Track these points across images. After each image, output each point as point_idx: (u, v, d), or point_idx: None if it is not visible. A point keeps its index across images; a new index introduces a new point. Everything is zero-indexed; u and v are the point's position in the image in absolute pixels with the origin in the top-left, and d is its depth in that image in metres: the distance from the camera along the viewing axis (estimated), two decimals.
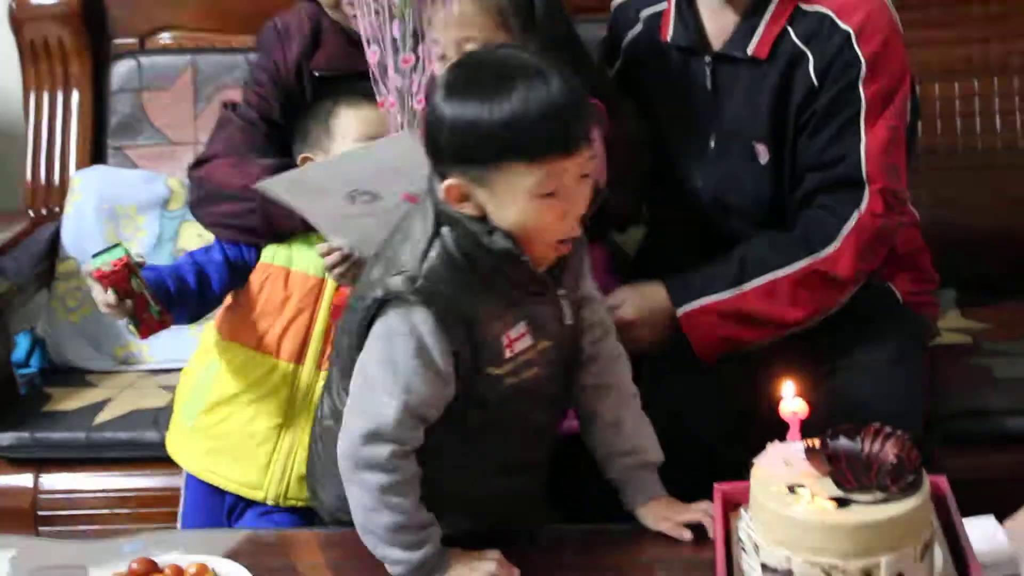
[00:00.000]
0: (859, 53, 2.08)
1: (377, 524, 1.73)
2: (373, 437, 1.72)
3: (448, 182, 1.71)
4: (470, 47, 2.02)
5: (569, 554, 1.85)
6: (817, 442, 1.56)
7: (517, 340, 1.78)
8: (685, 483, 1.86)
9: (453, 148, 1.71)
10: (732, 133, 2.18)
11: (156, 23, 2.86)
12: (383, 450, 1.72)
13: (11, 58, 2.89)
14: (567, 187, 1.71)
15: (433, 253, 1.73)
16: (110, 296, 2.01)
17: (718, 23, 2.18)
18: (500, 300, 1.76)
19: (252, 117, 2.23)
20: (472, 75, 1.72)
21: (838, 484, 1.53)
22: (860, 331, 2.15)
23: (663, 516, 1.84)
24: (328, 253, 2.05)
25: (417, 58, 2.00)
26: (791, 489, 1.54)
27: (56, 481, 2.46)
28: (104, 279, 2.00)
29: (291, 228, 2.13)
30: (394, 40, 1.98)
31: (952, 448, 2.25)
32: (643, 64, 2.28)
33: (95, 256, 2.02)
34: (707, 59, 2.18)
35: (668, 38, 2.21)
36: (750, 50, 2.13)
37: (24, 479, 2.46)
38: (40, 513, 2.44)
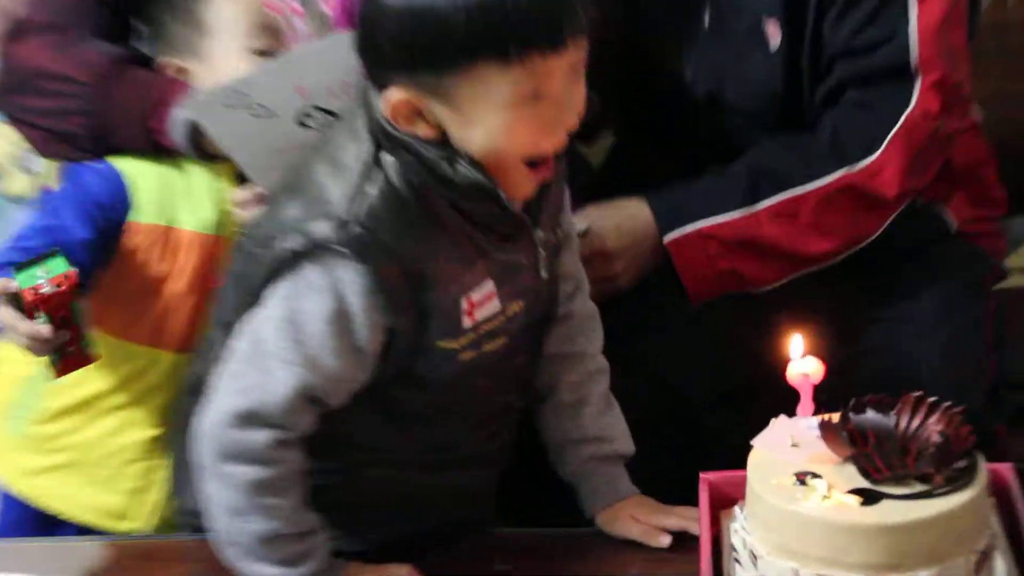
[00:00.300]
0: None
1: (244, 532, 1.72)
2: (249, 419, 1.70)
3: (392, 94, 1.68)
4: None
5: (515, 565, 1.88)
6: (836, 416, 1.56)
7: (481, 305, 1.77)
8: (664, 472, 1.87)
9: (399, 47, 1.67)
10: (734, 6, 2.18)
11: None
12: (260, 436, 1.70)
13: None
14: (555, 91, 1.68)
15: (371, 189, 1.71)
16: (43, 327, 1.87)
17: None
18: (462, 251, 1.75)
19: None
20: None
21: (864, 473, 1.52)
22: (900, 271, 2.17)
23: (633, 518, 1.86)
24: (248, 201, 2.04)
25: None
26: (800, 479, 1.53)
27: None
28: (42, 304, 1.87)
29: (139, 145, 2.08)
30: None
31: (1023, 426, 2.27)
32: None
33: (19, 269, 1.89)
34: None
35: None
36: None
37: None
38: None
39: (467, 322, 1.76)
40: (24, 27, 2.17)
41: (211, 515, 1.74)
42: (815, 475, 1.52)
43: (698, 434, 2.05)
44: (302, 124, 2.00)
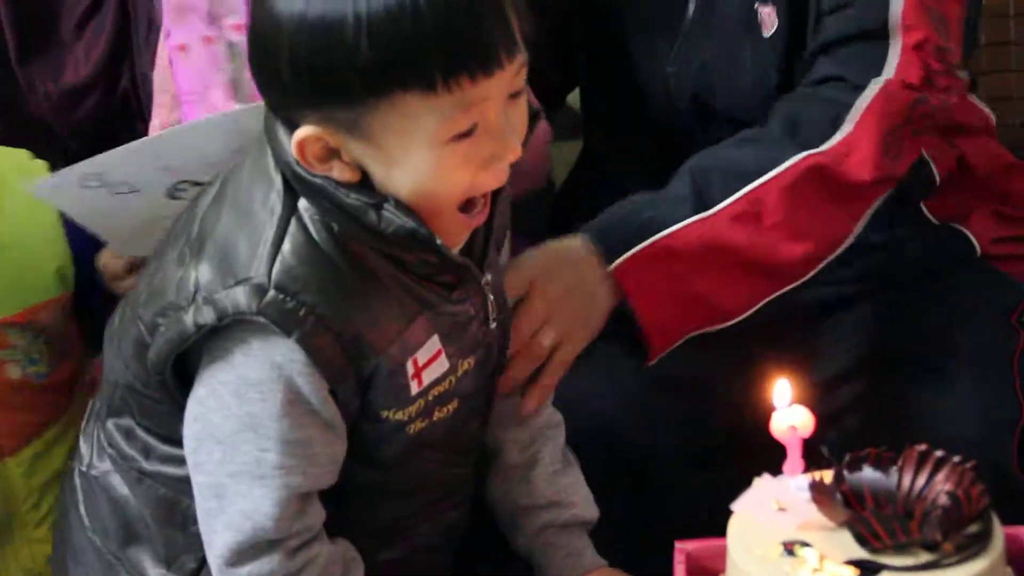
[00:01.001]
0: None
1: None
2: (249, 551, 1.65)
3: (301, 133, 1.57)
4: None
5: None
6: (829, 474, 1.50)
7: (428, 366, 1.70)
8: (633, 541, 1.85)
9: (300, 75, 1.56)
10: None
11: None
12: (268, 563, 1.65)
13: None
14: (491, 121, 1.58)
15: (287, 246, 1.62)
16: None
17: None
18: (401, 307, 1.66)
19: None
20: None
21: (861, 540, 1.44)
22: (917, 304, 2.12)
23: None
24: (120, 273, 2.05)
25: None
26: (788, 549, 1.45)
27: None
28: None
29: None
30: None
31: None
32: None
33: None
34: None
35: None
36: None
37: None
38: None
39: (415, 388, 1.69)
40: None
41: None
42: (805, 544, 1.45)
43: (670, 498, 1.97)
44: (173, 197, 1.95)
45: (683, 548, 1.59)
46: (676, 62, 2.16)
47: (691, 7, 2.14)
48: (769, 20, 2.08)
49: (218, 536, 1.66)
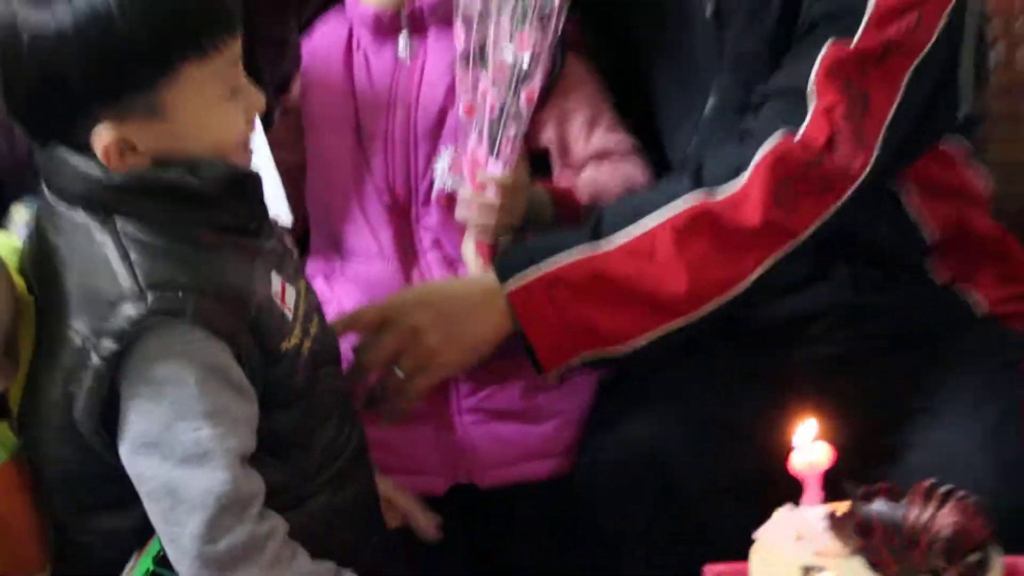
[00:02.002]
0: None
1: None
2: (220, 524, 1.69)
3: (106, 137, 1.67)
4: None
5: None
6: (844, 507, 1.55)
7: (284, 294, 1.79)
8: (668, 561, 1.93)
9: (94, 76, 1.66)
10: (736, 81, 2.18)
11: None
12: (241, 530, 1.69)
13: None
14: (240, 77, 1.74)
15: (134, 255, 1.70)
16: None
17: None
18: (240, 260, 1.75)
19: None
20: None
21: (872, 566, 1.51)
22: (930, 360, 2.15)
23: None
24: None
25: None
26: (807, 573, 1.52)
27: None
28: None
29: None
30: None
31: None
32: None
33: None
34: None
35: None
36: None
37: None
38: None
39: (288, 314, 1.78)
40: None
41: None
42: (821, 569, 1.51)
43: (704, 525, 2.02)
44: None
45: (711, 570, 1.66)
46: (695, 142, 2.19)
47: (711, 99, 2.18)
48: None
49: (185, 526, 1.69)
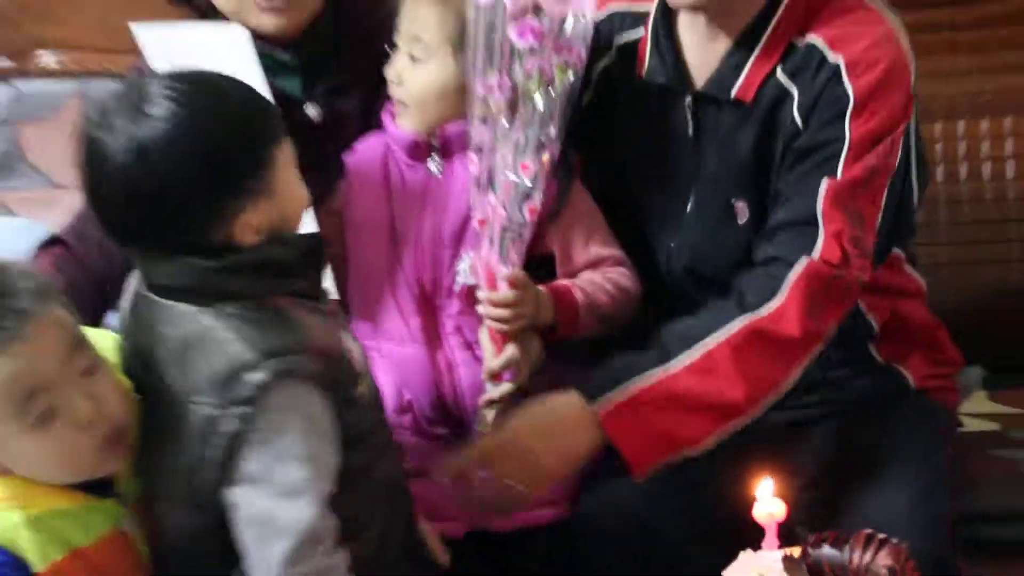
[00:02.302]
0: (848, 86, 2.08)
1: None
2: (302, 553, 1.72)
3: (250, 218, 1.74)
4: (418, 51, 2.13)
5: None
6: (797, 551, 1.57)
7: (352, 348, 1.83)
8: None
9: (226, 176, 1.73)
10: (712, 189, 2.19)
11: (35, 40, 2.87)
12: (317, 559, 1.73)
13: None
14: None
15: (243, 329, 1.73)
16: None
17: (702, 57, 2.19)
18: (318, 321, 1.79)
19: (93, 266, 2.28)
20: (182, 94, 1.74)
21: None
22: (869, 426, 2.18)
23: None
24: None
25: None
26: None
27: None
28: None
29: None
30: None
31: (978, 557, 2.26)
32: (615, 103, 2.28)
33: None
34: (688, 100, 2.19)
35: (644, 74, 2.22)
36: (734, 92, 2.15)
37: None
38: None
39: (356, 366, 1.81)
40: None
41: None
42: None
43: (680, 567, 2.03)
44: None
45: None
46: (676, 243, 2.21)
47: (690, 205, 2.19)
48: (742, 212, 2.16)
49: (273, 549, 1.71)
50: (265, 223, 1.75)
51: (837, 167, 2.07)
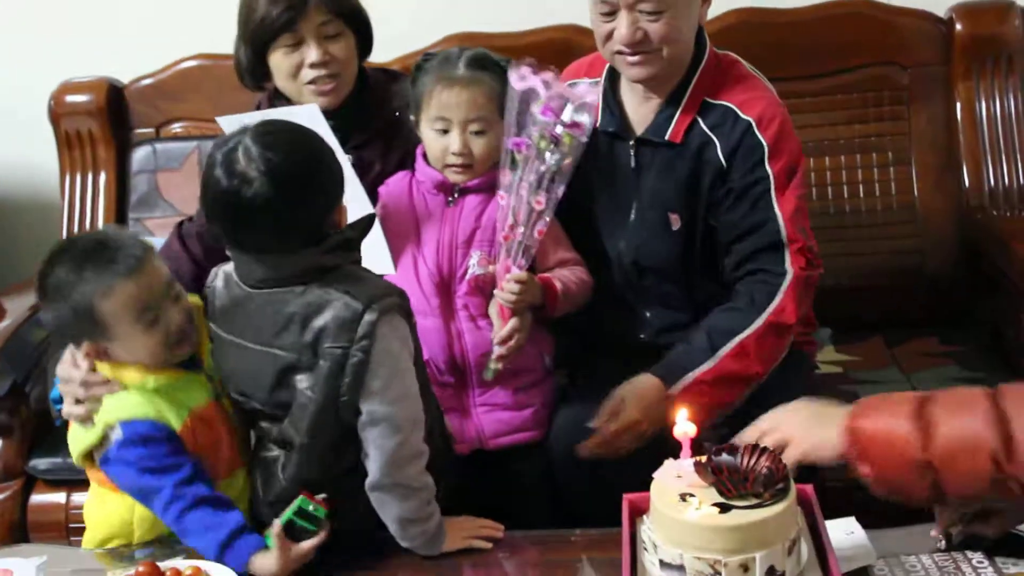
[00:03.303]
0: (761, 138, 2.07)
1: (431, 520, 1.77)
2: (411, 436, 1.72)
3: (335, 215, 1.77)
4: (474, 128, 2.08)
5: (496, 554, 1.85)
6: (704, 458, 1.56)
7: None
8: (605, 497, 1.81)
9: (340, 185, 1.77)
10: (650, 205, 2.16)
11: (169, 116, 2.87)
12: (419, 442, 1.75)
13: (50, 145, 2.88)
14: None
15: (348, 287, 1.71)
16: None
17: (639, 112, 2.17)
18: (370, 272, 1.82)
19: (195, 253, 2.27)
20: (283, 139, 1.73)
21: (720, 493, 1.53)
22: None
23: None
24: None
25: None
26: (683, 497, 1.54)
27: (84, 499, 2.32)
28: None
29: None
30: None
31: None
32: None
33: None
34: (631, 143, 2.16)
35: (597, 124, 2.17)
36: (667, 136, 2.12)
37: (58, 497, 2.45)
38: (71, 526, 2.42)
39: None
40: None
41: (410, 512, 1.74)
42: (691, 495, 1.53)
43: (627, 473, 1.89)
44: None
45: (627, 497, 1.67)
46: (624, 242, 2.19)
47: (632, 215, 2.17)
48: (674, 221, 2.14)
49: (390, 439, 1.70)
50: (341, 216, 1.77)
51: (771, 201, 2.07)
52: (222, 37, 2.76)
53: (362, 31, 2.24)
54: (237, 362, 1.82)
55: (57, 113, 2.84)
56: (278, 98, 2.26)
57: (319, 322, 1.71)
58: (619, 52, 2.07)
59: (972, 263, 2.66)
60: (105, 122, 2.83)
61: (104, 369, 1.83)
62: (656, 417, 1.97)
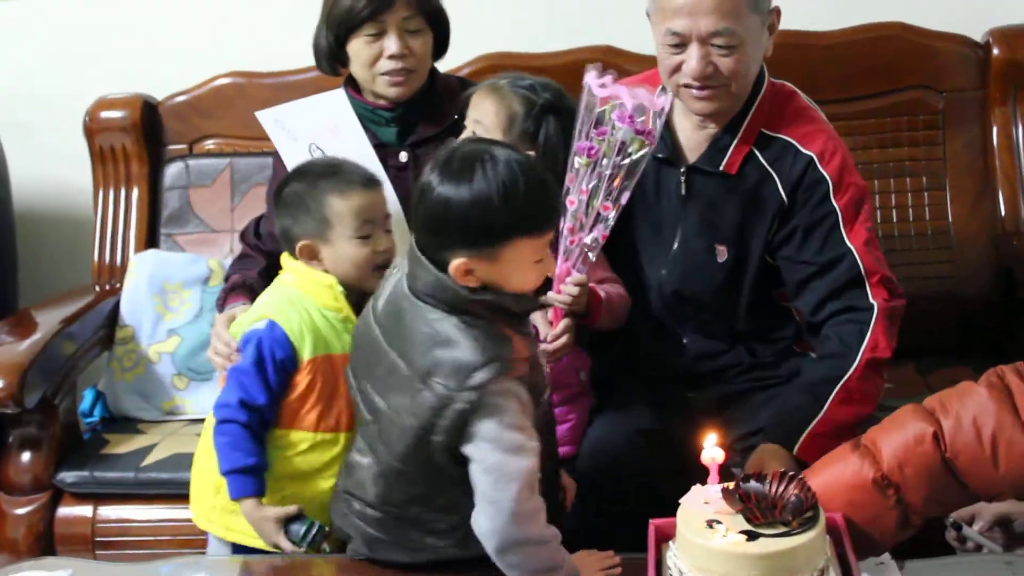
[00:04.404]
0: (824, 172, 2.05)
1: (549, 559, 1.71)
2: (525, 491, 1.67)
3: (457, 262, 1.66)
4: (480, 131, 2.05)
5: None
6: (732, 485, 1.55)
7: (542, 361, 1.79)
8: (639, 518, 1.78)
9: (462, 230, 1.65)
10: (696, 234, 2.14)
11: (202, 132, 2.88)
12: (536, 498, 1.69)
13: (84, 161, 2.89)
14: (547, 251, 1.72)
15: (480, 339, 1.67)
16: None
17: (693, 140, 2.14)
18: (523, 338, 1.74)
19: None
20: (466, 160, 1.67)
21: (748, 520, 1.52)
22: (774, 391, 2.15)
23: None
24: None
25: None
26: (710, 524, 1.53)
27: (110, 512, 2.45)
28: None
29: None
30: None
31: None
32: None
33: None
34: (681, 170, 2.14)
35: None
36: (722, 166, 2.10)
37: (84, 511, 2.46)
38: (97, 539, 2.44)
39: (546, 378, 1.78)
40: (251, 234, 2.39)
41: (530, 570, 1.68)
42: (718, 522, 1.52)
43: (652, 497, 1.90)
44: (309, 153, 2.16)
45: (653, 523, 1.64)
46: (666, 270, 2.17)
47: (676, 242, 2.15)
48: (721, 252, 2.12)
49: (505, 492, 1.65)
50: (482, 277, 1.69)
51: (842, 236, 2.04)
52: (256, 55, 2.87)
53: (441, 32, 2.29)
54: (367, 352, 1.80)
55: (92, 128, 2.85)
56: (348, 87, 2.31)
57: (440, 355, 1.68)
58: (686, 85, 2.05)
59: (1007, 290, 2.64)
60: (139, 138, 2.84)
61: (299, 276, 2.01)
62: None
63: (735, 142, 2.09)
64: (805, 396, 2.01)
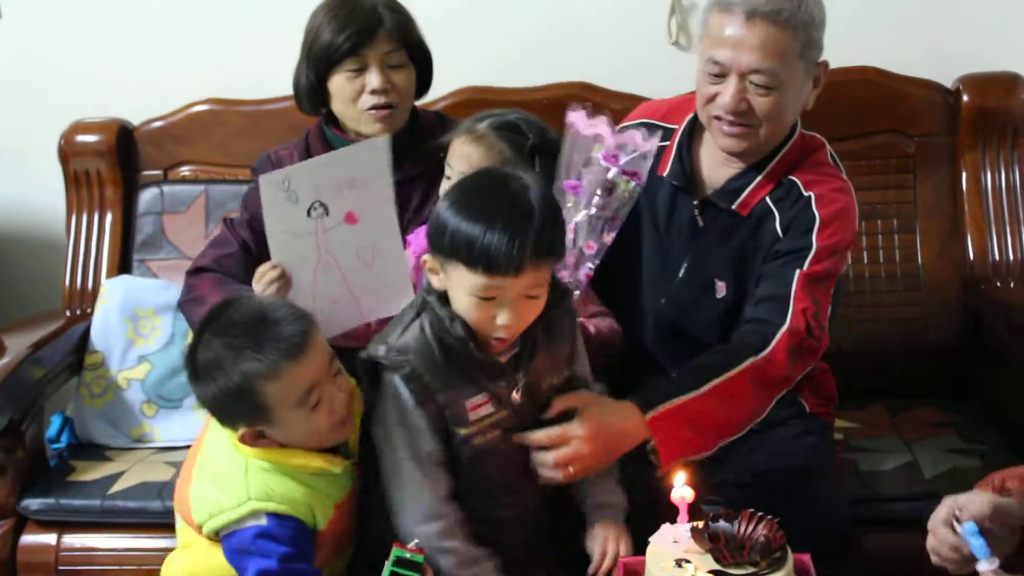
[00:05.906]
0: (816, 211, 2.05)
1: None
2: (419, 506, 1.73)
3: (427, 255, 1.74)
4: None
5: None
6: (701, 524, 1.57)
7: (479, 407, 1.76)
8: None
9: (434, 232, 1.71)
10: (700, 267, 2.14)
11: (177, 159, 2.88)
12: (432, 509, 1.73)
13: (58, 184, 2.87)
14: (507, 299, 1.68)
15: (408, 334, 1.72)
16: None
17: (713, 173, 2.14)
18: (461, 375, 1.73)
19: (244, 237, 2.26)
20: (469, 187, 1.72)
21: (716, 560, 1.55)
22: (772, 435, 2.11)
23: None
24: (269, 269, 1.99)
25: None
26: (678, 563, 1.55)
27: (75, 541, 2.42)
28: None
29: None
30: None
31: None
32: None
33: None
34: (695, 201, 2.13)
35: (664, 173, 2.15)
36: (735, 205, 2.10)
37: (49, 538, 2.43)
38: (61, 568, 2.41)
39: (472, 416, 1.75)
40: (201, 268, 2.27)
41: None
42: (687, 561, 1.55)
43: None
44: (308, 214, 1.93)
45: (622, 561, 1.70)
46: (667, 297, 2.15)
47: (680, 274, 2.14)
48: (720, 288, 2.11)
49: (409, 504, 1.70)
50: (442, 283, 1.79)
51: (804, 263, 2.03)
52: (233, 83, 2.87)
53: (423, 67, 2.30)
54: None
55: (67, 152, 2.84)
56: (329, 124, 2.30)
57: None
58: (718, 117, 2.04)
59: (974, 333, 2.66)
60: (114, 163, 2.82)
61: (260, 455, 1.74)
62: (605, 448, 1.87)
63: (752, 185, 2.09)
64: (686, 375, 1.97)
